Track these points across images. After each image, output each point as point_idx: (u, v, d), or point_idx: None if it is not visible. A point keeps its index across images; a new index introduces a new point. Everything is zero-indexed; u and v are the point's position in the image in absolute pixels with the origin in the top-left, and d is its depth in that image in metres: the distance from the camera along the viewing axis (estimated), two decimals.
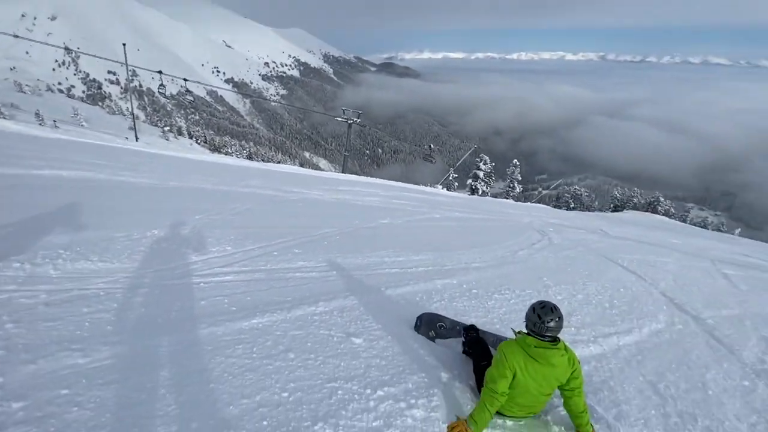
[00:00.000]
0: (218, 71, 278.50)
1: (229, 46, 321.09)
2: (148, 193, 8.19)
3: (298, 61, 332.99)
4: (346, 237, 6.63)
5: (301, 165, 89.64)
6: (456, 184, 34.53)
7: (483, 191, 31.02)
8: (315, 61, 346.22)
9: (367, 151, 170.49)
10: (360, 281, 4.46)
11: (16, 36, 16.46)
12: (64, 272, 3.35)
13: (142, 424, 1.76)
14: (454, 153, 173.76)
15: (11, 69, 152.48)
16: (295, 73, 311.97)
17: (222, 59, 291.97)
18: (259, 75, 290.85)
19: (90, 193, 7.22)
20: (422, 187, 23.40)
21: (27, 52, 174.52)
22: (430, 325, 3.30)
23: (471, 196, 26.02)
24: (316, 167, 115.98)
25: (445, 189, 28.96)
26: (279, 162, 70.41)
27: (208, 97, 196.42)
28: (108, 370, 2.08)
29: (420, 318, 3.38)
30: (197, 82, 30.17)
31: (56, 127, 34.60)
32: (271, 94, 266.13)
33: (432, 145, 40.85)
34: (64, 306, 2.77)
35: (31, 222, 4.68)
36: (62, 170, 8.96)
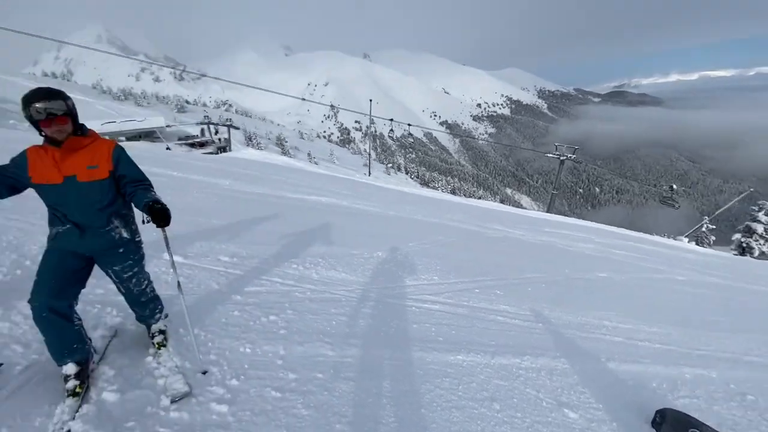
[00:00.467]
0: (435, 115, 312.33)
1: (447, 92, 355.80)
2: (375, 220, 9.81)
3: (509, 99, 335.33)
4: (553, 286, 6.00)
5: (502, 201, 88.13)
6: (713, 238, 26.01)
7: (761, 252, 22.12)
8: (528, 98, 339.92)
9: (580, 190, 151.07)
10: (572, 343, 3.90)
11: (303, 99, 23.85)
12: (321, 277, 4.38)
13: (370, 426, 2.06)
14: (711, 197, 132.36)
15: (297, 122, 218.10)
16: (506, 111, 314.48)
17: (439, 104, 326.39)
18: (471, 116, 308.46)
19: (337, 216, 9.26)
20: (657, 238, 18.76)
21: (308, 110, 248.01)
22: (679, 429, 2.50)
23: (740, 257, 18.91)
24: (518, 204, 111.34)
25: (693, 243, 22.27)
26: (480, 197, 71.63)
27: (424, 138, 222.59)
28: (348, 368, 2.55)
29: (662, 414, 2.61)
30: (417, 126, 34.81)
31: (315, 163, 46.65)
32: (480, 133, 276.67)
33: (675, 186, 32.33)
34: (321, 304, 3.60)
35: (302, 234, 6.38)
36: (321, 197, 11.93)
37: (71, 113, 1.84)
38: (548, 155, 26.38)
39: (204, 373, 2.23)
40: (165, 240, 2.07)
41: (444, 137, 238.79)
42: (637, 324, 4.95)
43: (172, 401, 1.93)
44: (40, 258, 3.42)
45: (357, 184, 19.42)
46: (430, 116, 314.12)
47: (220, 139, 44.17)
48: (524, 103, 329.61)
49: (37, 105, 1.74)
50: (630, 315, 5.26)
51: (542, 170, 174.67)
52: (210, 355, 2.42)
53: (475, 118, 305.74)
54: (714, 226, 26.58)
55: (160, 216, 1.85)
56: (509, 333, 3.77)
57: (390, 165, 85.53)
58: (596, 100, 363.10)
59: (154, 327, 2.40)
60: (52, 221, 1.97)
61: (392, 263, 5.50)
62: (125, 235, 2.09)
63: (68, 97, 1.84)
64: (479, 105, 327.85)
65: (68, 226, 1.93)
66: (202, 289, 3.40)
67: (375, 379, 2.46)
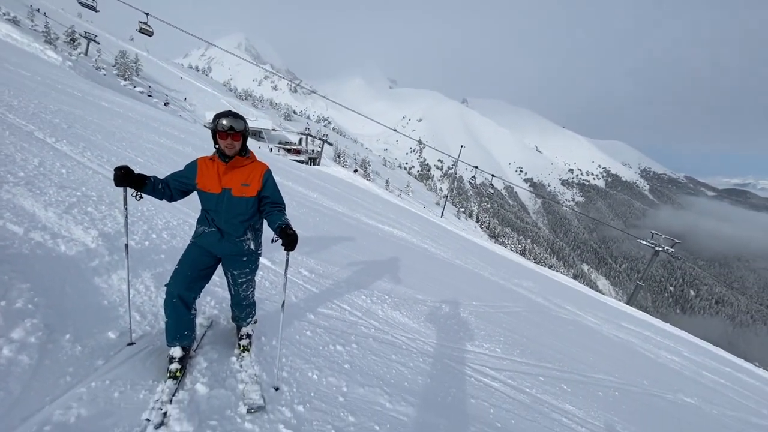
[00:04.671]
0: (521, 170, 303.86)
1: (539, 151, 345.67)
2: (442, 266, 9.67)
3: (607, 171, 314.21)
4: (628, 398, 5.28)
5: (575, 277, 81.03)
6: None
7: None
8: (628, 175, 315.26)
9: (671, 288, 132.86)
10: None
11: (395, 130, 25.00)
12: (386, 316, 4.41)
13: None
14: None
15: (384, 150, 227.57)
16: (600, 183, 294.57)
17: (528, 161, 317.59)
18: (559, 179, 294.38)
19: (406, 252, 9.31)
20: (762, 372, 15.60)
21: (396, 141, 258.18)
22: None
23: None
24: (593, 285, 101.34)
25: None
26: (551, 266, 66.79)
27: (503, 191, 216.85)
28: (403, 427, 2.49)
29: None
30: (500, 177, 34.11)
31: (389, 190, 47.78)
32: (566, 199, 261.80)
33: None
34: (383, 346, 3.61)
35: (373, 265, 6.52)
36: (393, 228, 12.16)
37: (244, 135, 2.18)
38: (641, 241, 23.93)
39: (276, 389, 2.35)
40: (286, 262, 2.28)
41: (525, 195, 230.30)
42: None
43: (248, 411, 2.05)
44: (164, 233, 3.96)
45: (429, 223, 19.45)
46: (516, 171, 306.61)
47: (313, 151, 47.88)
48: (623, 179, 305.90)
49: (224, 120, 2.11)
50: None
51: (629, 255, 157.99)
52: (283, 371, 2.55)
53: (564, 183, 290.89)
54: None
55: (290, 241, 2.05)
56: None
57: (463, 210, 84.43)
58: (710, 194, 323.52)
59: (244, 330, 2.62)
60: (201, 221, 2.31)
61: (455, 320, 5.34)
62: (252, 247, 2.36)
63: (247, 123, 2.19)
64: (571, 170, 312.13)
65: (213, 229, 2.25)
66: (281, 298, 3.63)
67: None
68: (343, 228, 8.95)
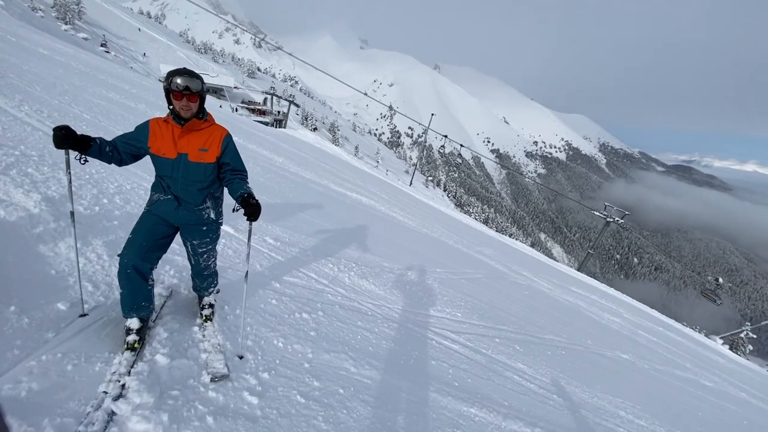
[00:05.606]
0: (488, 141, 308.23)
1: (507, 122, 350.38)
2: (408, 234, 9.83)
3: (568, 144, 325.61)
4: (573, 356, 5.80)
5: (533, 245, 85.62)
6: (750, 347, 24.09)
7: None
8: (588, 148, 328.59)
9: (618, 256, 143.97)
10: (585, 425, 3.77)
11: (365, 94, 24.32)
12: (352, 283, 4.47)
13: None
14: (759, 302, 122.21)
15: (354, 114, 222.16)
16: (562, 156, 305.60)
17: (495, 132, 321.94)
18: (524, 151, 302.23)
19: (374, 220, 9.36)
20: (688, 330, 17.61)
21: (367, 105, 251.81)
22: None
23: None
24: (548, 252, 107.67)
25: (727, 347, 20.70)
26: (511, 235, 69.96)
27: (471, 161, 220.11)
28: (367, 390, 2.61)
29: None
30: (468, 148, 34.47)
31: (360, 158, 47.23)
32: (529, 171, 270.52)
33: (721, 279, 29.94)
34: (349, 313, 3.69)
35: (340, 233, 6.52)
36: (362, 196, 12.10)
37: (201, 96, 2.02)
38: (594, 212, 25.44)
39: (240, 357, 2.36)
40: (249, 232, 2.21)
41: (491, 165, 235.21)
42: (653, 424, 4.71)
43: (212, 380, 2.05)
44: (116, 198, 3.72)
45: (397, 191, 19.52)
46: (484, 141, 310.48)
47: (279, 112, 45.75)
48: (583, 152, 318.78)
49: (178, 79, 1.94)
50: (648, 411, 5.00)
51: (583, 225, 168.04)
52: (248, 340, 2.56)
53: (528, 155, 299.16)
54: (755, 336, 24.61)
55: (253, 211, 1.98)
56: (523, 397, 3.69)
57: (431, 178, 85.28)
58: (660, 169, 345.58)
59: (206, 299, 2.56)
60: (156, 188, 2.16)
61: (419, 287, 5.52)
62: (212, 215, 2.26)
63: (204, 83, 2.03)
64: (536, 142, 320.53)
65: (169, 196, 2.12)
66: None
67: (391, 412, 2.49)
68: (310, 195, 8.79)
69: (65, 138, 1.79)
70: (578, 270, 21.55)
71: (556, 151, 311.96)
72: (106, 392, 1.76)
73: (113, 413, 1.70)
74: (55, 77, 8.06)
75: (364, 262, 5.38)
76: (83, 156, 1.92)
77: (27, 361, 1.77)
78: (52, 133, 1.81)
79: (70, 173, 2.06)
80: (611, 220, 23.91)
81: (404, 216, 12.32)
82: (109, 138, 2.05)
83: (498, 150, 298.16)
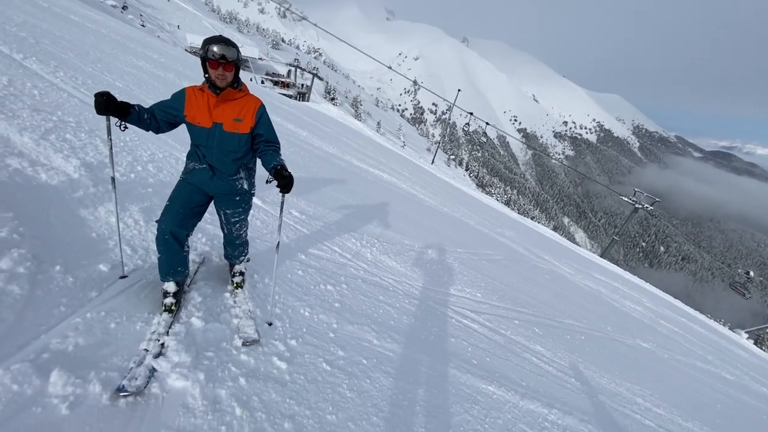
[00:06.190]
0: (515, 120, 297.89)
1: (536, 101, 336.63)
2: (430, 213, 9.78)
3: (600, 126, 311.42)
4: (592, 342, 5.74)
5: (555, 228, 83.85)
6: None
7: None
8: (621, 131, 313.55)
9: (643, 243, 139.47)
10: (602, 410, 3.77)
11: (389, 67, 23.58)
12: (374, 259, 4.52)
13: (402, 429, 2.17)
14: None
15: (377, 89, 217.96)
16: (592, 137, 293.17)
17: (523, 110, 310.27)
18: (552, 132, 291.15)
19: (396, 197, 9.34)
20: (713, 323, 17.10)
21: (391, 79, 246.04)
22: None
23: None
24: (571, 237, 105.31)
25: (752, 342, 20.05)
26: (533, 218, 68.63)
27: (496, 140, 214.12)
28: (389, 362, 2.68)
29: None
30: (494, 126, 33.45)
31: (382, 134, 46.68)
32: (556, 152, 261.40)
33: (752, 273, 28.39)
34: (371, 287, 3.75)
35: (363, 209, 6.54)
36: (383, 173, 12.04)
37: (237, 65, 2.01)
38: (623, 198, 24.51)
39: (270, 324, 2.45)
40: (281, 204, 2.23)
41: (517, 145, 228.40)
42: (672, 413, 4.66)
43: (244, 344, 2.15)
44: (149, 166, 3.83)
45: (419, 169, 19.32)
46: (510, 120, 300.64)
47: (303, 85, 45.40)
48: (615, 134, 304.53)
49: (215, 47, 1.92)
50: (666, 400, 4.95)
51: (609, 210, 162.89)
52: (276, 308, 2.64)
53: (557, 135, 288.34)
54: None
55: (286, 183, 1.99)
56: (541, 378, 3.71)
57: (453, 157, 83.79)
58: (697, 155, 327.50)
59: (237, 267, 2.64)
60: (191, 156, 2.20)
61: (440, 266, 5.53)
62: (245, 186, 2.29)
63: (240, 52, 2.01)
64: (565, 123, 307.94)
65: (204, 166, 2.15)
66: (274, 238, 3.66)
67: (411, 384, 2.56)
68: (333, 170, 8.80)
69: (107, 104, 1.83)
70: (601, 256, 21.05)
71: (587, 133, 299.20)
72: (147, 350, 1.87)
73: (154, 370, 1.80)
74: (88, 45, 8.21)
75: (386, 239, 5.41)
76: (123, 122, 1.96)
77: (72, 318, 1.88)
78: (91, 98, 1.84)
79: (111, 139, 2.12)
80: (640, 206, 23.04)
81: (425, 194, 12.23)
82: (145, 106, 2.08)
83: (525, 129, 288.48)
